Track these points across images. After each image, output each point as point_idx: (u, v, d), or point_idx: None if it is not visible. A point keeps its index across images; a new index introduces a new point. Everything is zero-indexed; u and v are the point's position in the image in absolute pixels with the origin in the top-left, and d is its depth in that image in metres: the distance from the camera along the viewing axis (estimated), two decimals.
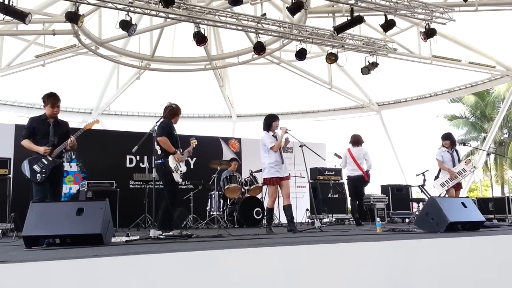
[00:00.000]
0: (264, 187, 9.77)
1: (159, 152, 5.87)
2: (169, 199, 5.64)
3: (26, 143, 5.35)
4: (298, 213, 9.46)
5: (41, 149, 5.26)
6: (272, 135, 6.57)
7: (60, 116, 5.62)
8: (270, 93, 15.43)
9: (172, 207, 5.77)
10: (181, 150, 6.14)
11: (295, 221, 6.61)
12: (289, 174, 6.65)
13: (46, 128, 5.40)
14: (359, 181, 8.56)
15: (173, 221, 6.40)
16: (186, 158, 6.31)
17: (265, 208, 6.80)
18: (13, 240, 5.68)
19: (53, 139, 5.36)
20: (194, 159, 11.34)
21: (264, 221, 9.36)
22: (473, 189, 25.12)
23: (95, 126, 6.15)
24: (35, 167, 5.25)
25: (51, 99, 5.41)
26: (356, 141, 8.74)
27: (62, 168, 5.57)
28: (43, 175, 5.24)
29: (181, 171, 6.01)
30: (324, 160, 9.11)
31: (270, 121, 6.66)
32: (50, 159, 5.29)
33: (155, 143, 5.80)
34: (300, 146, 6.70)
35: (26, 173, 5.25)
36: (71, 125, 5.70)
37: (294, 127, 6.66)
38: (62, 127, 5.53)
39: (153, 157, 5.64)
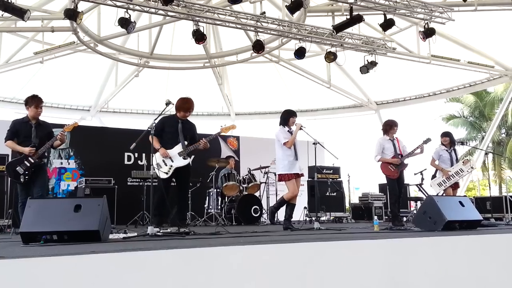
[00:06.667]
0: (262, 185, 9.82)
1: None
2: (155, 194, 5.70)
3: (10, 144, 5.57)
4: (295, 212, 9.45)
5: (26, 150, 5.45)
6: (288, 131, 6.43)
7: (58, 113, 5.70)
8: (268, 91, 15.43)
9: (158, 202, 5.81)
10: (186, 142, 6.09)
11: (292, 219, 6.58)
12: (303, 173, 6.57)
13: (28, 130, 5.59)
14: None
15: (172, 218, 6.41)
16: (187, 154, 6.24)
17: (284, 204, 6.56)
18: (10, 236, 5.67)
19: (35, 141, 5.54)
20: (193, 156, 11.33)
21: (262, 219, 9.40)
22: (471, 189, 25.18)
23: (93, 124, 6.22)
24: (18, 168, 5.44)
25: (35, 100, 5.61)
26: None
27: (45, 169, 5.76)
28: (26, 177, 5.44)
29: (171, 166, 5.98)
30: (337, 158, 8.87)
31: (287, 117, 6.50)
32: (33, 161, 5.47)
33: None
34: (314, 143, 6.66)
35: (10, 174, 5.48)
36: (69, 122, 5.80)
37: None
38: (44, 129, 5.71)
39: (151, 154, 5.67)
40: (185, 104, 6.21)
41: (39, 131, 5.63)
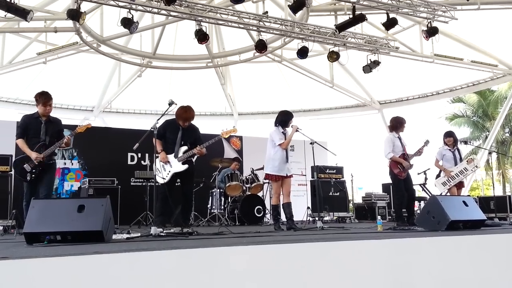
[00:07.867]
0: (265, 185, 9.81)
1: None
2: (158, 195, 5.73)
3: (20, 143, 5.52)
4: (298, 212, 9.44)
5: (33, 156, 5.39)
6: (282, 132, 6.46)
7: (62, 114, 5.70)
8: (271, 91, 15.41)
9: (161, 202, 5.84)
10: (186, 147, 6.17)
11: (295, 219, 6.57)
12: (292, 174, 6.59)
13: (38, 126, 5.53)
14: None
15: (175, 218, 6.43)
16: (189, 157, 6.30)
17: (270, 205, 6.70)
18: (14, 236, 5.68)
19: (44, 138, 5.49)
20: (196, 156, 11.34)
21: (265, 219, 9.39)
22: (474, 188, 25.10)
23: (96, 124, 6.24)
24: (26, 166, 5.41)
25: (43, 97, 5.53)
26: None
27: (53, 169, 5.68)
28: (33, 175, 5.40)
29: (169, 171, 6.04)
30: (335, 155, 8.68)
31: (287, 119, 6.54)
32: (41, 160, 5.42)
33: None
34: (311, 143, 6.66)
35: (17, 171, 5.47)
36: (72, 123, 5.78)
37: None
38: (54, 126, 5.65)
39: (154, 155, 5.70)
40: (184, 114, 6.23)
41: (49, 128, 5.57)
